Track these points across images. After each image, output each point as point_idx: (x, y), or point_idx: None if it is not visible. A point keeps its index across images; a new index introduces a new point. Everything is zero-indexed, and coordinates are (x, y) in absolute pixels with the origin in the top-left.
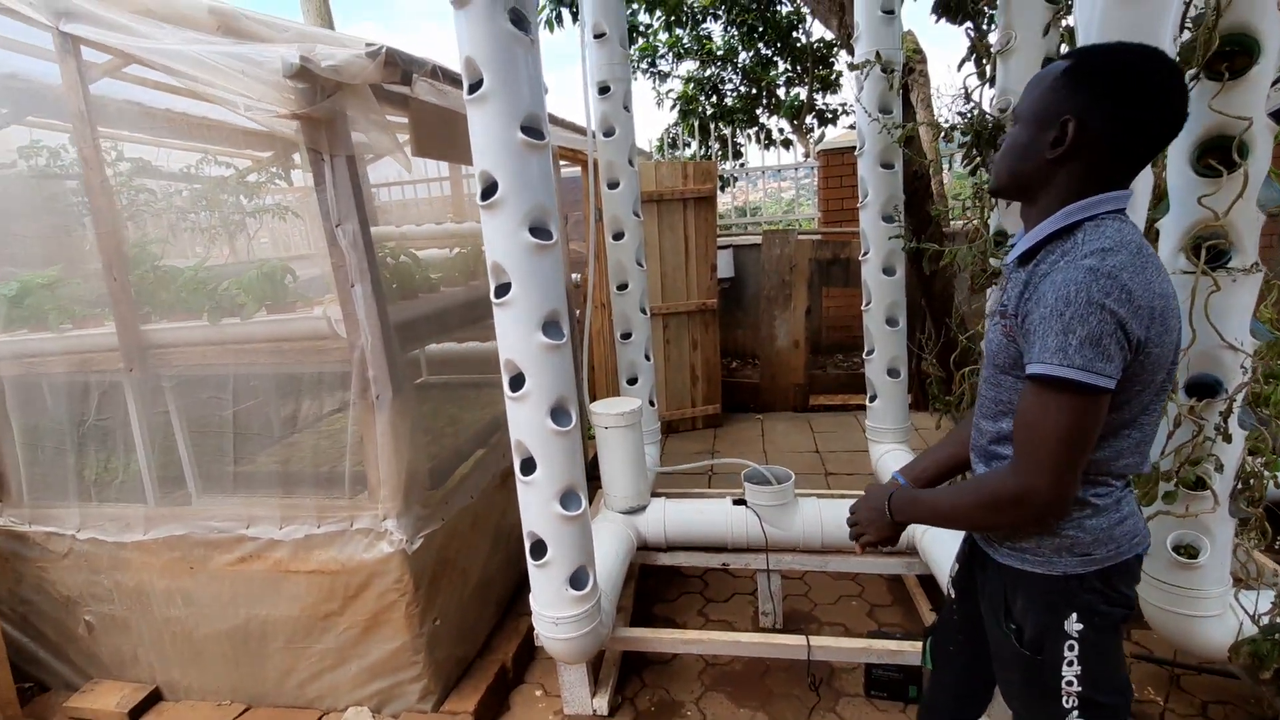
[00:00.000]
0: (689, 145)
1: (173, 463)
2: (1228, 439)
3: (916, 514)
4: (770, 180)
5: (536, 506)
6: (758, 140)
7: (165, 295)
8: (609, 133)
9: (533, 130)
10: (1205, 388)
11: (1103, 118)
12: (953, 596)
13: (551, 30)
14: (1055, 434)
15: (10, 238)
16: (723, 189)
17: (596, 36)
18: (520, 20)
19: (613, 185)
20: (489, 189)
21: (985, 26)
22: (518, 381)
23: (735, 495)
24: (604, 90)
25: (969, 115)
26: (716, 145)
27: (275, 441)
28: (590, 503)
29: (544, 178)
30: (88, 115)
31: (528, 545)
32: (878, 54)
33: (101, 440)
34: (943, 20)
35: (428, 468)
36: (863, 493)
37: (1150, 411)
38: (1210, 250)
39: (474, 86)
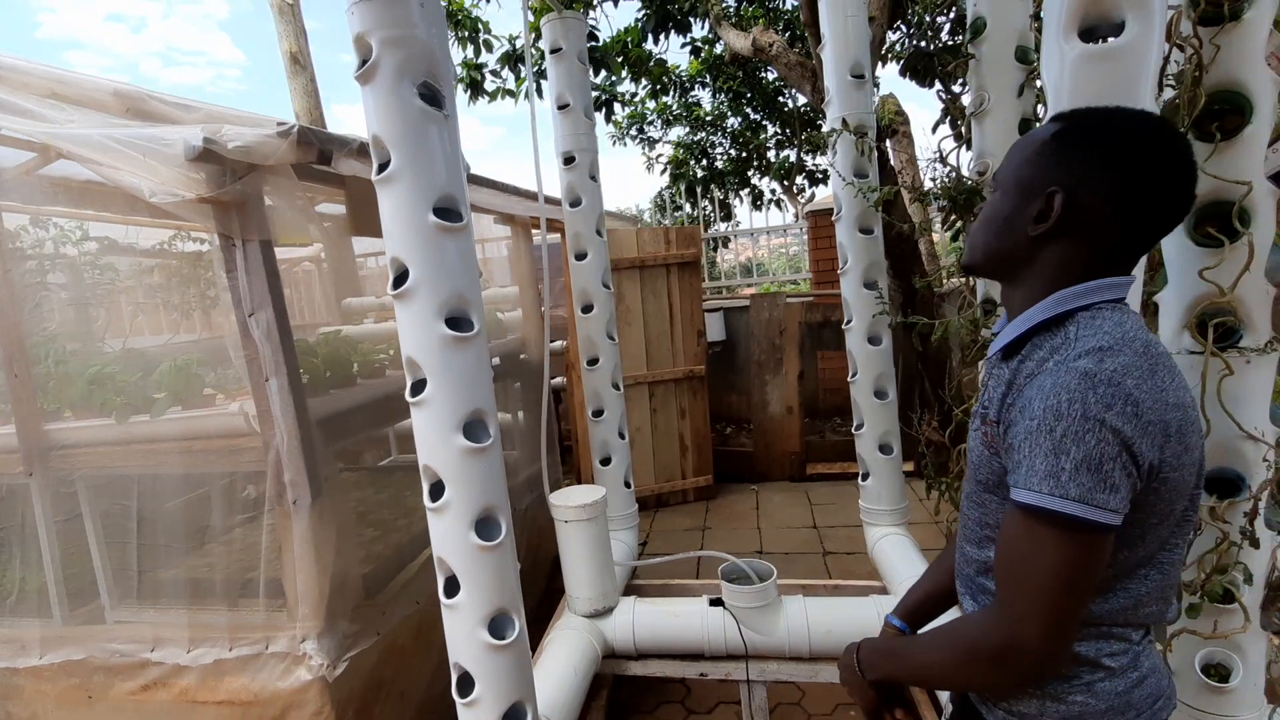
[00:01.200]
0: (680, 207)
1: (74, 575)
2: (1254, 544)
3: (891, 669)
4: (775, 237)
5: (461, 634)
6: (752, 201)
7: (71, 391)
8: (575, 203)
9: (448, 212)
10: (1226, 485)
11: (1098, 193)
12: None
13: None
14: (1046, 578)
15: None
16: (718, 247)
17: (560, 108)
18: (432, 96)
19: (580, 256)
20: (400, 277)
21: (958, 88)
22: (436, 490)
23: (714, 594)
24: (569, 160)
25: (945, 179)
26: (708, 206)
27: (187, 552)
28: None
29: (463, 263)
30: None
31: (454, 679)
32: (844, 120)
33: None
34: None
35: (362, 573)
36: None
37: (1172, 548)
38: (1218, 328)
39: (382, 166)
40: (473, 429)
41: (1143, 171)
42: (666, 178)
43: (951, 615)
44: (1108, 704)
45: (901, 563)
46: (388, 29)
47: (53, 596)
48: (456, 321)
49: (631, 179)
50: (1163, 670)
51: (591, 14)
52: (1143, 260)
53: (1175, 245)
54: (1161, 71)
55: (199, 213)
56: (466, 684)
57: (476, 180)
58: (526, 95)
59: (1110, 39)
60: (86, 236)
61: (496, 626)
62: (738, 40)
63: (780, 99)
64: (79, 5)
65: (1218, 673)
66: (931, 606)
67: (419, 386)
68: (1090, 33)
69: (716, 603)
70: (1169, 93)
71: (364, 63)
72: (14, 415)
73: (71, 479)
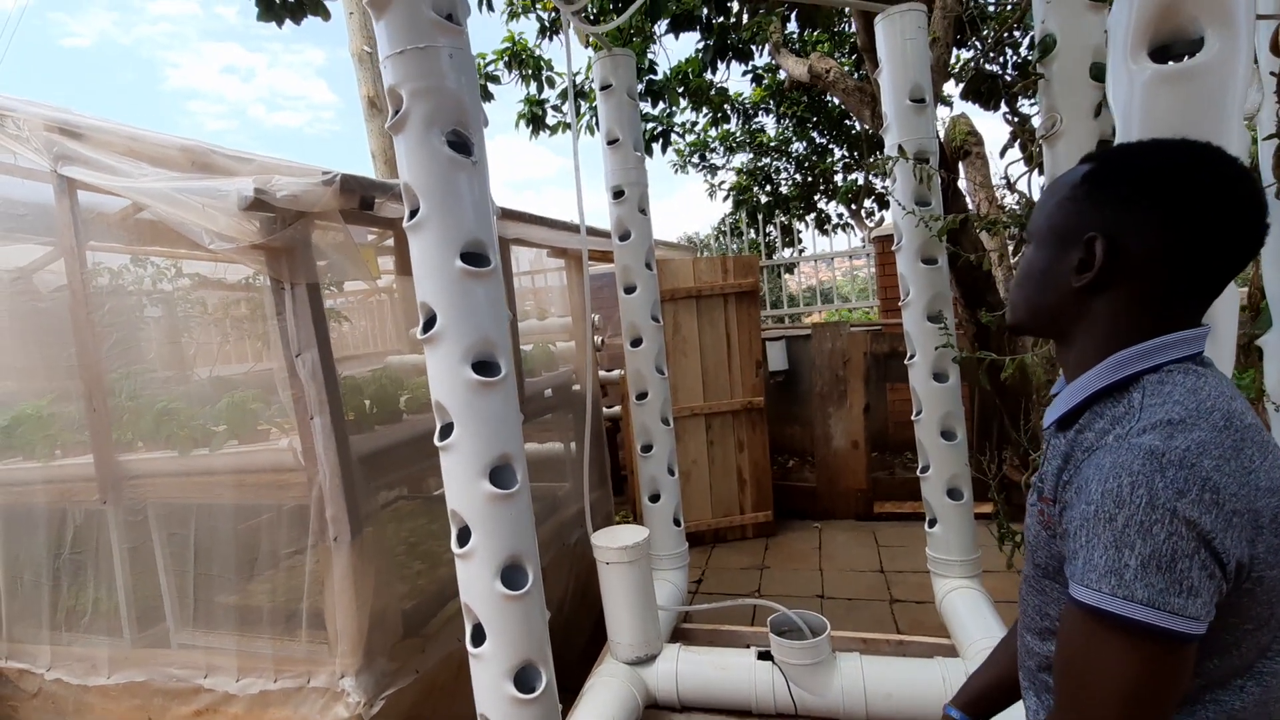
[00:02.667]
0: (742, 235)
1: (142, 599)
2: None
3: None
4: (845, 260)
5: (486, 685)
6: (818, 225)
7: (142, 424)
8: (624, 236)
9: (476, 257)
10: None
11: (1143, 234)
12: None
13: (593, 134)
14: (1114, 693)
15: (12, 362)
16: (781, 274)
17: (610, 143)
18: (461, 144)
19: (629, 290)
20: (429, 321)
21: (1029, 109)
22: (463, 536)
23: (764, 645)
24: (618, 194)
25: (1015, 206)
26: (772, 232)
27: (238, 582)
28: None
29: (490, 307)
30: (77, 249)
31: None
32: (900, 147)
33: (74, 573)
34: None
35: (403, 609)
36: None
37: (1275, 655)
38: None
39: (413, 213)
40: (500, 474)
41: (1190, 204)
42: (729, 204)
43: (1018, 711)
44: None
45: (972, 620)
46: (417, 80)
47: (124, 617)
48: (484, 366)
49: (694, 206)
50: None
51: (652, 48)
52: (1235, 296)
53: (1279, 281)
54: (1277, 89)
55: (252, 258)
56: None
57: (528, 218)
58: (584, 130)
59: (1186, 57)
60: (181, 274)
61: (523, 678)
62: (796, 67)
63: (847, 122)
64: (199, 60)
65: None
66: (996, 697)
67: (447, 430)
68: (1163, 50)
69: (765, 656)
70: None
71: (395, 113)
72: (92, 446)
73: (142, 507)
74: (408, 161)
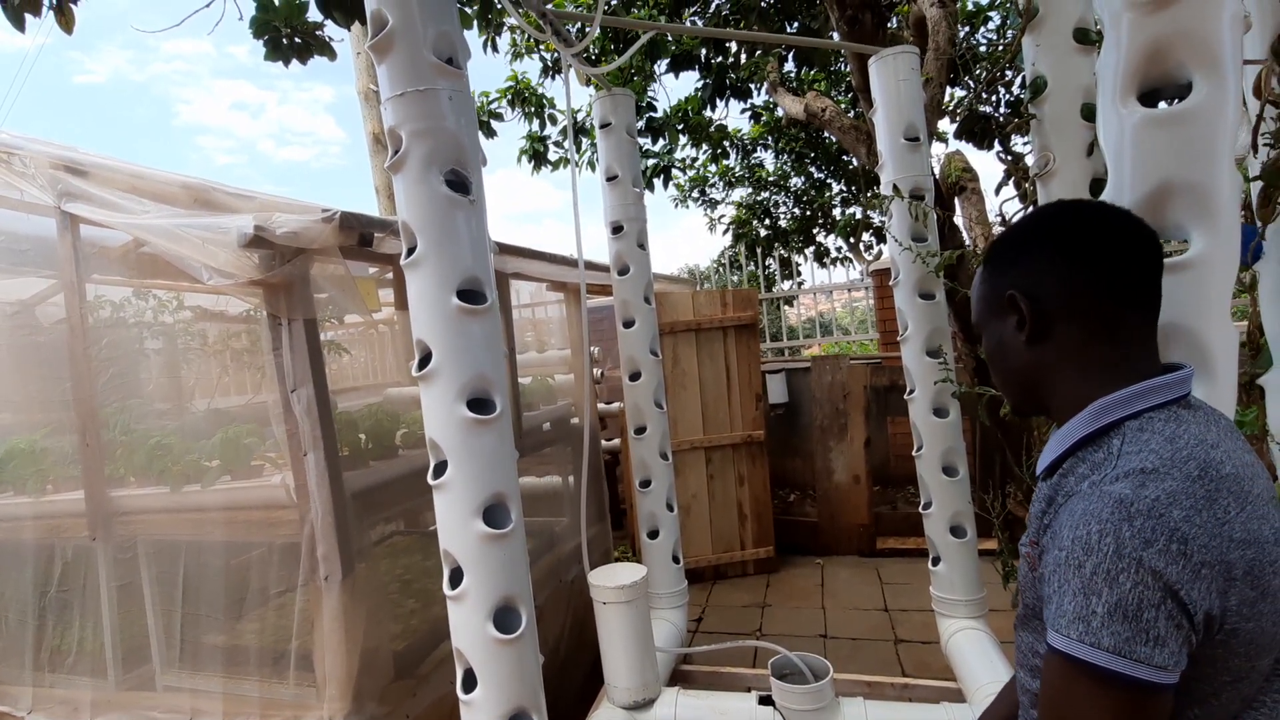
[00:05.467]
0: (741, 267)
1: (127, 639)
2: None
3: None
4: (845, 291)
5: None
6: (816, 259)
7: (134, 459)
8: (623, 271)
9: (473, 294)
10: None
11: (1046, 277)
12: None
13: (593, 170)
14: None
15: (8, 395)
16: (780, 306)
17: (609, 179)
18: (460, 183)
19: (628, 324)
20: (424, 359)
21: (1022, 147)
22: (455, 577)
23: (765, 689)
24: (617, 229)
25: None
26: (771, 265)
27: (226, 622)
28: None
29: (487, 344)
30: (77, 284)
31: None
32: (895, 186)
33: (60, 612)
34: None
35: (394, 650)
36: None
37: (1259, 706)
38: None
39: (410, 251)
40: (493, 514)
41: (1071, 236)
42: (729, 238)
43: None
44: None
45: (978, 663)
46: (417, 121)
47: (109, 658)
48: (479, 403)
49: (695, 239)
50: None
51: (652, 87)
52: (1234, 334)
53: (1278, 320)
54: (1255, 130)
55: (250, 294)
56: None
57: (526, 253)
58: (584, 166)
59: (1176, 100)
60: (182, 306)
61: None
62: (793, 105)
63: (844, 157)
64: (209, 96)
65: None
66: None
67: (440, 469)
68: (1153, 94)
69: (766, 701)
70: (1267, 152)
71: (395, 153)
72: (84, 481)
73: (132, 544)
74: (406, 200)
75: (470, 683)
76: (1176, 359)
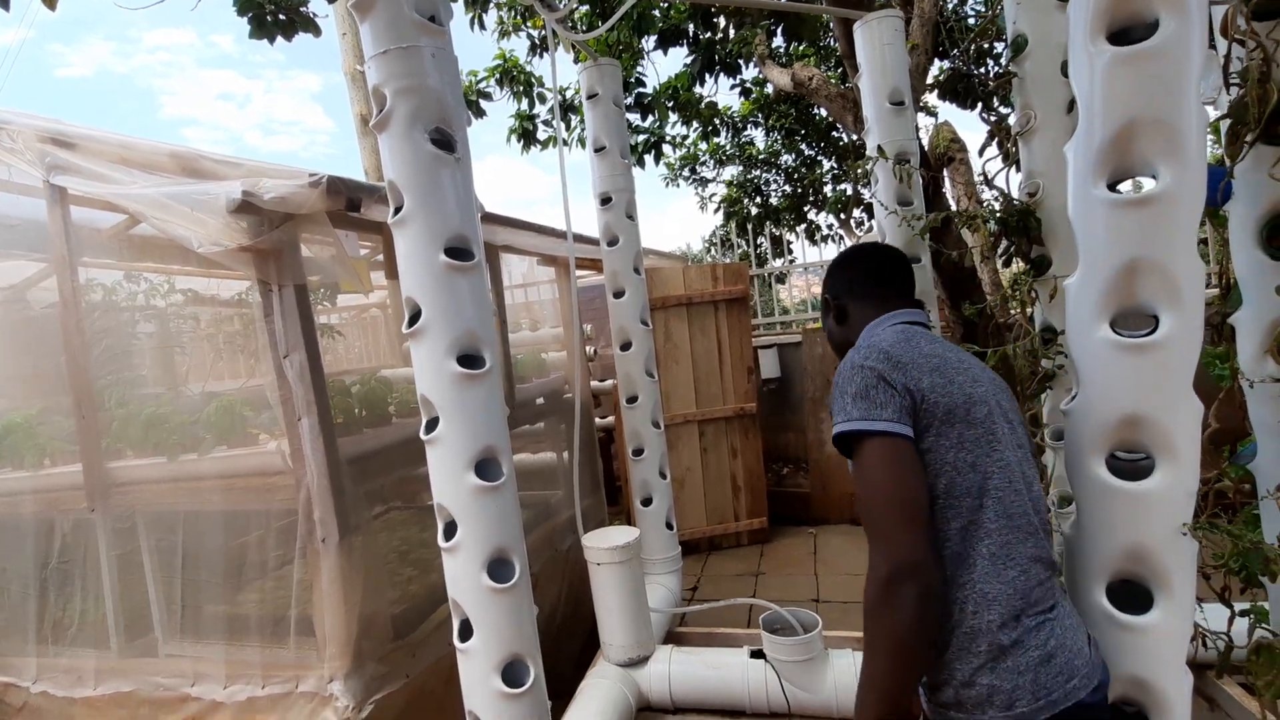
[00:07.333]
0: (735, 246)
1: (129, 609)
2: None
3: (862, 694)
4: None
5: (475, 680)
6: (808, 236)
7: (130, 431)
8: (613, 242)
9: (460, 252)
10: None
11: (836, 285)
12: None
13: (584, 147)
14: (878, 498)
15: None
16: (772, 284)
17: (597, 150)
18: (444, 141)
19: (618, 294)
20: (414, 316)
21: (1002, 109)
22: (450, 530)
23: (757, 645)
24: (606, 201)
25: (994, 202)
26: (763, 243)
27: (227, 588)
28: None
29: (476, 301)
30: (69, 260)
31: None
32: (880, 148)
33: (61, 584)
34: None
35: (392, 613)
36: None
37: (995, 534)
38: None
39: (397, 210)
40: (485, 467)
41: (849, 258)
42: (720, 217)
43: None
44: (1013, 683)
45: None
46: (400, 80)
47: (111, 628)
48: (469, 359)
49: (687, 220)
50: (1080, 651)
51: (641, 63)
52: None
53: (1247, 259)
54: (1225, 69)
55: (240, 261)
56: None
57: (516, 223)
58: (574, 143)
59: (1144, 41)
60: (174, 289)
61: (511, 673)
62: (780, 77)
63: (834, 134)
64: (195, 88)
65: None
66: None
67: (432, 424)
68: (1123, 36)
69: (758, 654)
70: (1236, 92)
71: (379, 111)
72: (81, 453)
73: (130, 514)
74: (391, 159)
75: (467, 632)
76: (1146, 292)
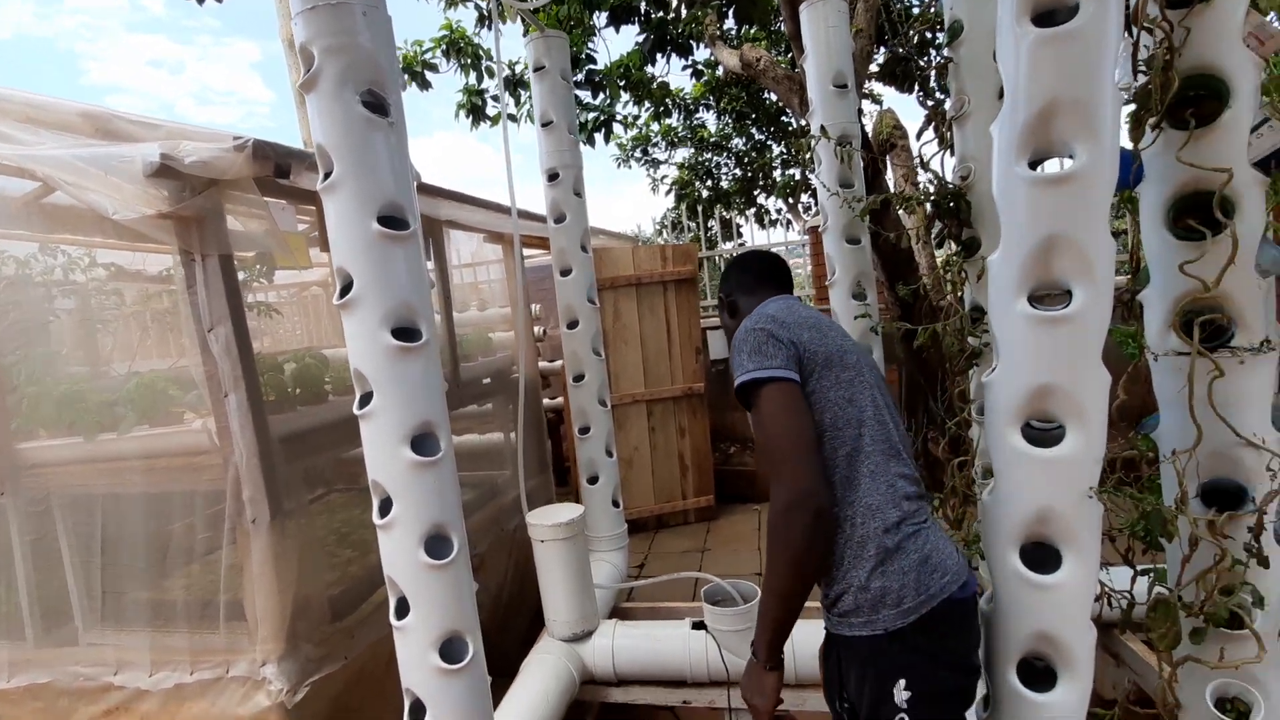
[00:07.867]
0: (686, 229)
1: (46, 597)
2: (1263, 563)
3: (763, 624)
4: (794, 256)
5: (412, 658)
6: (758, 220)
7: (42, 410)
8: (560, 219)
9: (394, 220)
10: (1226, 496)
11: (729, 285)
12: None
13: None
14: (774, 434)
15: None
16: (723, 264)
17: (544, 124)
18: (377, 104)
19: (565, 272)
20: (345, 286)
21: (938, 94)
22: (385, 506)
23: (699, 617)
24: (553, 177)
25: (929, 184)
26: (714, 226)
27: (151, 572)
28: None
29: (411, 271)
30: None
31: (406, 706)
32: (823, 128)
33: None
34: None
35: (329, 595)
36: None
37: (863, 423)
38: (1206, 327)
39: (326, 175)
40: (422, 442)
41: (732, 265)
42: (671, 199)
43: None
44: (900, 582)
45: None
46: (329, 37)
47: (25, 618)
48: (404, 332)
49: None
50: (951, 553)
51: (592, 40)
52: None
53: (1155, 240)
54: (1134, 57)
55: (160, 229)
56: (418, 712)
57: (460, 197)
58: (520, 117)
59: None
60: (95, 264)
61: (450, 650)
62: (730, 58)
63: (784, 118)
64: (123, 53)
65: (1235, 708)
66: None
67: (366, 399)
68: (1048, 19)
69: (699, 626)
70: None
71: (307, 71)
72: None
73: (44, 497)
74: (320, 122)
75: (404, 609)
76: (1062, 267)
